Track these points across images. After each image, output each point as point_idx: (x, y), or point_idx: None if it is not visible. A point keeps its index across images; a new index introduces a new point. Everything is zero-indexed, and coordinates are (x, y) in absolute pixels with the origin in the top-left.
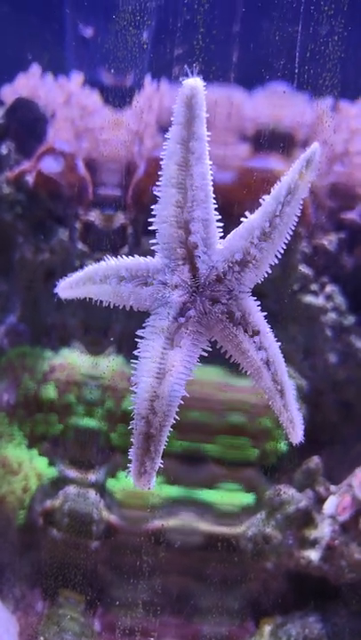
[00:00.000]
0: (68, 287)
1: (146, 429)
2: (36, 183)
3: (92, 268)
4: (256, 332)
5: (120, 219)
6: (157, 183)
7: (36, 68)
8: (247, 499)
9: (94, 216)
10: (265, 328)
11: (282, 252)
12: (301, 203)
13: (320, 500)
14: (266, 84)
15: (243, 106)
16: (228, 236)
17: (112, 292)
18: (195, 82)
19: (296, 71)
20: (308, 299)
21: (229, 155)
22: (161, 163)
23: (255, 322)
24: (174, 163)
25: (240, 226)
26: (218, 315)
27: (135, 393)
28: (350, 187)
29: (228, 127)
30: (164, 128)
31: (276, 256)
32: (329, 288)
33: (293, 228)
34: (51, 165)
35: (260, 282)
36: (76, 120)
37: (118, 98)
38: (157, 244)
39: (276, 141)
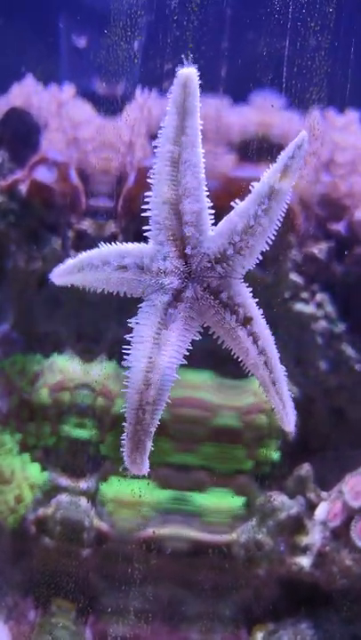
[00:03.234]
0: (62, 274)
1: (138, 413)
2: (30, 192)
3: (85, 255)
4: (248, 319)
5: (111, 227)
6: (151, 172)
7: (29, 79)
8: (239, 505)
9: (87, 225)
10: (257, 314)
11: (273, 238)
12: (287, 203)
13: (311, 507)
14: (253, 95)
15: (230, 116)
16: (221, 222)
17: (105, 278)
18: (189, 71)
19: (284, 85)
20: (299, 306)
21: (217, 164)
22: (155, 151)
23: (247, 308)
24: (167, 151)
25: (232, 212)
26: (210, 300)
27: (127, 378)
28: (338, 197)
29: (215, 137)
30: (154, 138)
31: (267, 242)
32: (319, 296)
33: (284, 225)
34: (44, 175)
35: (251, 268)
36: (68, 130)
37: (110, 108)
38: (150, 230)
39: (264, 151)
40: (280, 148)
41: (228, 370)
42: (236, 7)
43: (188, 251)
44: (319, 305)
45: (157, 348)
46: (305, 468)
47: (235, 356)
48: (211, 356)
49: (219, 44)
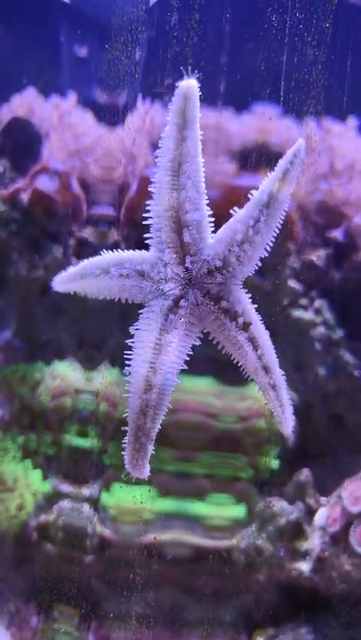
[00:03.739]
0: (63, 281)
1: (139, 418)
2: (31, 201)
3: (87, 262)
4: (247, 324)
5: (113, 236)
6: (152, 180)
7: (31, 89)
8: (239, 511)
9: (88, 233)
10: (256, 320)
11: (271, 244)
12: (286, 210)
13: (311, 512)
14: (252, 107)
15: (229, 126)
16: (220, 229)
17: (106, 285)
18: (190, 82)
19: (282, 98)
20: (298, 313)
21: (217, 172)
22: (156, 160)
23: (246, 314)
24: (168, 160)
25: (231, 219)
26: (210, 306)
27: (129, 383)
28: (336, 204)
29: (216, 147)
30: (155, 147)
31: (266, 249)
32: (318, 303)
33: (282, 231)
34: (46, 184)
35: (250, 274)
36: (69, 139)
37: (111, 118)
38: (151, 237)
39: (264, 160)
40: (278, 156)
41: (229, 376)
42: (235, 23)
43: (188, 258)
44: (318, 311)
45: (158, 352)
46: (304, 474)
47: (234, 361)
48: (211, 362)
49: (218, 59)
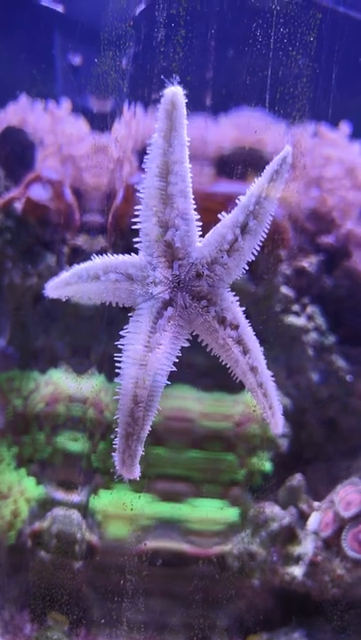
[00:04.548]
0: (56, 287)
1: (129, 419)
2: (25, 210)
3: (78, 268)
4: (235, 326)
5: (101, 242)
6: (140, 185)
7: (24, 97)
8: (232, 516)
9: (81, 241)
10: (243, 321)
11: (258, 249)
12: (276, 217)
13: (303, 517)
14: (238, 113)
15: (214, 133)
16: (208, 233)
17: (97, 289)
18: (175, 90)
19: (267, 109)
20: (290, 319)
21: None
22: (144, 165)
23: (234, 316)
24: (155, 166)
25: (219, 224)
26: (198, 309)
27: (119, 385)
28: (327, 211)
29: (202, 155)
30: (141, 154)
31: (253, 253)
32: (310, 309)
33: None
34: (39, 193)
35: (237, 278)
36: (63, 147)
37: (102, 126)
38: (140, 242)
39: (251, 166)
40: (266, 163)
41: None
42: (220, 38)
43: (176, 261)
44: (310, 317)
45: (148, 355)
46: (297, 479)
47: (222, 362)
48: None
49: (203, 73)
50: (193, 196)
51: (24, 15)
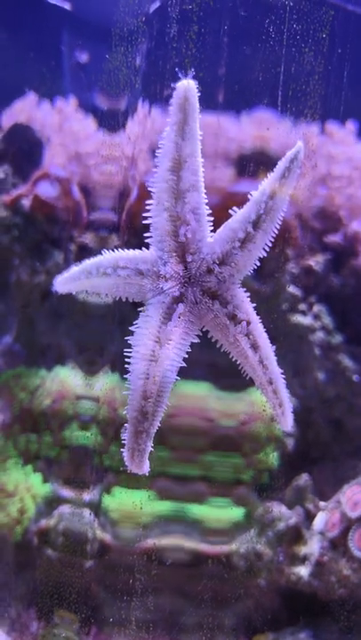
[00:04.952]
0: (65, 282)
1: (138, 414)
2: (33, 207)
3: (88, 263)
4: (245, 322)
5: (114, 241)
6: (152, 179)
7: (32, 95)
8: (238, 516)
9: (89, 238)
10: (254, 318)
11: (270, 244)
12: (284, 215)
13: (310, 517)
14: (252, 113)
15: (229, 131)
16: (220, 229)
17: (107, 284)
18: (188, 83)
19: (279, 109)
20: (297, 318)
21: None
22: (155, 160)
23: (244, 311)
24: (168, 160)
25: (230, 219)
26: (209, 305)
27: (129, 380)
28: (334, 210)
29: (216, 154)
30: (155, 152)
31: (265, 250)
32: (317, 308)
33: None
34: (47, 190)
35: (249, 273)
36: (70, 144)
37: (112, 123)
38: (151, 236)
39: (263, 165)
40: (276, 161)
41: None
42: (233, 34)
43: (187, 256)
44: (317, 316)
45: (158, 349)
46: (303, 479)
47: (232, 358)
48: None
49: (216, 70)
50: (215, 195)
51: (32, 13)
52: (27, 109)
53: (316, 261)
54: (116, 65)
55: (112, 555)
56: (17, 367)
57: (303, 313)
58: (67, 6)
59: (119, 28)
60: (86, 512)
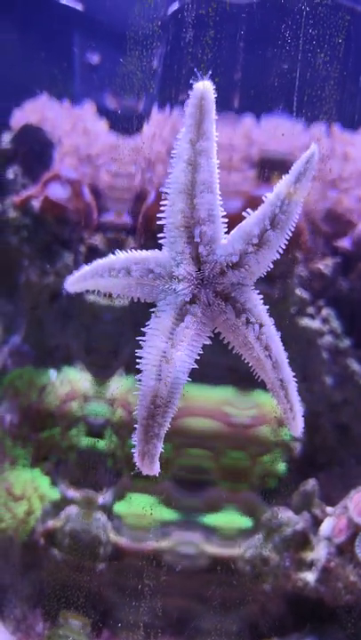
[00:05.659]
0: (76, 281)
1: (149, 414)
2: (43, 208)
3: (101, 262)
4: (258, 324)
5: (130, 244)
6: (167, 180)
7: (44, 96)
8: (245, 522)
9: (99, 240)
10: (267, 320)
11: (284, 247)
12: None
13: (317, 523)
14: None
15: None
16: (234, 230)
17: (120, 284)
18: (204, 84)
19: (294, 113)
20: (305, 322)
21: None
22: (171, 161)
23: (257, 314)
24: (183, 161)
25: (244, 221)
26: (221, 307)
27: (140, 381)
28: (343, 212)
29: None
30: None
31: (278, 252)
32: (325, 311)
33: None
34: (57, 192)
35: (262, 275)
36: (81, 146)
37: (127, 125)
38: (165, 237)
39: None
40: (288, 164)
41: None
42: (249, 39)
43: (201, 258)
44: (325, 320)
45: (170, 351)
46: (310, 484)
47: (244, 360)
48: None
49: (231, 75)
50: (239, 200)
51: (43, 13)
52: (38, 110)
53: (326, 265)
54: (131, 69)
55: (128, 558)
56: (25, 367)
57: (311, 316)
58: (78, 7)
59: (134, 31)
60: (97, 514)
